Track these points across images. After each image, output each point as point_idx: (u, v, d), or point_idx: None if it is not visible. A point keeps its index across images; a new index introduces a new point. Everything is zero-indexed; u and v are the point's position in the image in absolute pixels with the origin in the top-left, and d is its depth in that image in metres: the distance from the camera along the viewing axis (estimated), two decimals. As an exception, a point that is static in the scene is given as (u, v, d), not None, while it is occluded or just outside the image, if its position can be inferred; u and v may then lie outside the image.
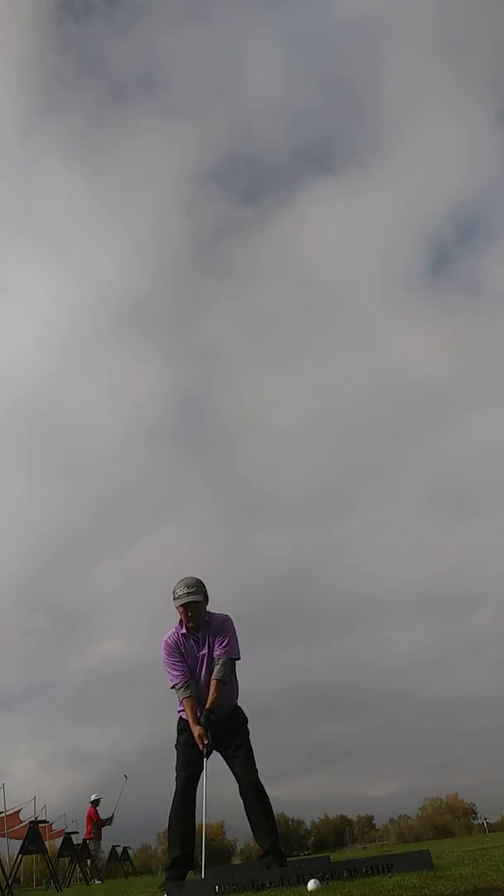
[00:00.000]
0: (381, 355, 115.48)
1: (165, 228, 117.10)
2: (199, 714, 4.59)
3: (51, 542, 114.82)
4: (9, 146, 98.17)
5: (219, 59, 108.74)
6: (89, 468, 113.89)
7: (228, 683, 4.72)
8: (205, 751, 4.54)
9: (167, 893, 4.14)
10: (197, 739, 4.53)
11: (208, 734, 4.51)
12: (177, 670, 4.71)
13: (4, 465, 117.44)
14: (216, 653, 4.72)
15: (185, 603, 4.68)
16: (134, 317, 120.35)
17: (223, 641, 4.73)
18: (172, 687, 4.74)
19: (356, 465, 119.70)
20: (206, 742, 4.51)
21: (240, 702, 4.90)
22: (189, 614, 4.71)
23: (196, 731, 4.53)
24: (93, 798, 16.77)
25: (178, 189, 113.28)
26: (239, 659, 4.83)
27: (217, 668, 4.67)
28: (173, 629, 4.82)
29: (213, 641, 4.76)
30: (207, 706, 4.59)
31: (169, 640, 4.80)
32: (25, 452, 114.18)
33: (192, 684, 4.69)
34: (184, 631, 4.78)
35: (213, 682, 4.65)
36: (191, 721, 4.59)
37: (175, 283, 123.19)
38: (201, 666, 4.74)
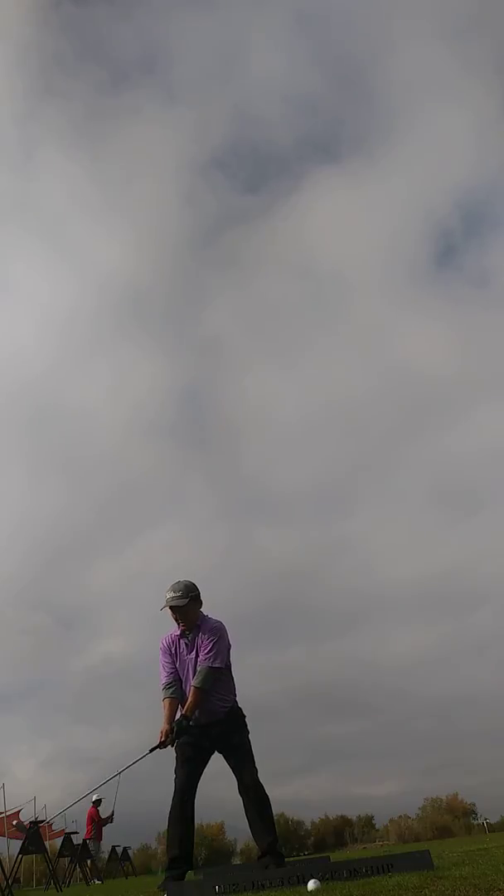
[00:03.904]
0: (386, 349, 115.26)
1: (166, 218, 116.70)
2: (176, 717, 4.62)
3: (50, 539, 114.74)
4: (6, 132, 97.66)
5: (222, 42, 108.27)
6: (89, 463, 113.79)
7: (208, 690, 4.66)
8: (159, 745, 4.55)
9: (167, 893, 4.14)
10: (160, 732, 4.55)
11: (172, 733, 4.52)
12: (164, 671, 4.78)
13: (3, 461, 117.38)
14: (199, 660, 4.72)
15: (170, 606, 4.71)
16: (134, 308, 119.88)
17: (207, 648, 4.72)
18: (160, 686, 4.77)
19: (359, 462, 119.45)
20: (162, 739, 4.53)
21: (240, 702, 4.91)
22: (176, 617, 4.74)
23: (164, 727, 4.57)
24: (94, 798, 16.76)
25: (180, 177, 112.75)
26: (220, 668, 4.73)
27: (196, 674, 4.68)
28: (172, 630, 4.84)
29: (201, 647, 4.76)
30: (183, 712, 4.61)
31: (163, 641, 4.85)
32: (24, 447, 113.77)
33: (174, 685, 4.73)
34: (178, 633, 4.80)
35: (191, 689, 4.65)
36: (164, 720, 4.61)
37: (176, 274, 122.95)
38: (188, 670, 4.76)
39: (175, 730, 4.53)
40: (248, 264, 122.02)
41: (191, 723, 4.57)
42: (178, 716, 4.64)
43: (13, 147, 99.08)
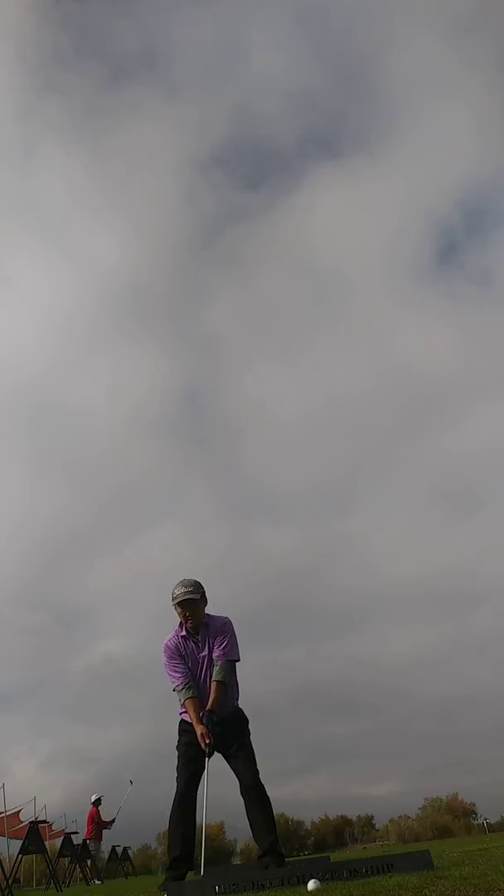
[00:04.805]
0: (387, 348, 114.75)
1: (167, 215, 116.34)
2: (200, 715, 4.60)
3: (50, 539, 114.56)
4: (6, 128, 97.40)
5: (222, 39, 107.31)
6: (89, 462, 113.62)
7: (228, 684, 4.74)
8: (206, 750, 4.56)
9: (167, 893, 4.14)
10: (199, 739, 4.55)
11: (210, 734, 4.53)
12: (178, 672, 4.74)
13: (3, 461, 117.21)
14: (215, 654, 4.74)
15: (182, 601, 4.71)
16: (135, 306, 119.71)
17: (222, 643, 4.76)
18: (174, 689, 4.76)
19: (360, 461, 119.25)
20: (207, 742, 4.53)
21: (241, 701, 4.93)
22: (187, 613, 4.73)
23: (199, 730, 4.56)
24: (94, 798, 16.75)
25: (180, 174, 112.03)
26: (238, 661, 4.85)
27: (216, 669, 4.70)
28: (173, 632, 4.84)
29: (213, 643, 4.78)
30: (208, 707, 4.61)
31: (169, 643, 4.82)
32: (24, 446, 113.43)
33: (193, 686, 4.71)
34: (183, 633, 4.80)
35: (213, 684, 4.67)
36: (194, 721, 4.61)
37: (176, 273, 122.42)
38: (202, 668, 4.76)
39: (210, 728, 4.54)
40: (249, 263, 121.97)
41: (214, 717, 4.57)
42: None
43: (13, 143, 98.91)
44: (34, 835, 12.23)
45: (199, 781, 4.63)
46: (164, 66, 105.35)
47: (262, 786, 4.63)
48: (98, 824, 16.55)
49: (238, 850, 61.30)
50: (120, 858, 21.00)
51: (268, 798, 4.63)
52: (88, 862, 16.38)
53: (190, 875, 4.62)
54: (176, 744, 4.77)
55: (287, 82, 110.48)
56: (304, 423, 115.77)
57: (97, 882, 15.47)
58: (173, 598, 4.75)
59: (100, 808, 16.73)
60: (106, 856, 19.76)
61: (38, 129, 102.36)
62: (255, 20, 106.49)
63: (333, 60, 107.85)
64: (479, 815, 61.96)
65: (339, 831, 68.30)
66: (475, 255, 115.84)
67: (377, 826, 69.01)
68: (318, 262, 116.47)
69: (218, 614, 4.90)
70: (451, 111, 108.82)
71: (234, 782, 4.64)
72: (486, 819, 55.32)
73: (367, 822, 69.56)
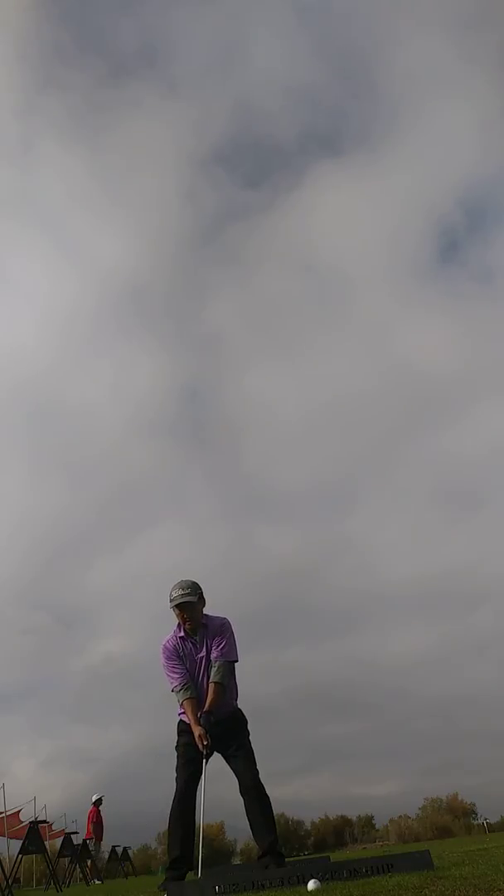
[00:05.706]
0: (388, 346, 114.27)
1: (167, 213, 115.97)
2: (198, 716, 4.61)
3: (50, 539, 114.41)
4: (5, 125, 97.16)
5: (223, 35, 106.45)
6: (89, 462, 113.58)
7: (227, 685, 4.74)
8: (204, 752, 4.56)
9: (167, 893, 4.14)
10: (197, 740, 4.55)
11: (208, 735, 4.53)
12: (176, 673, 4.74)
13: (3, 459, 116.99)
14: (213, 655, 4.74)
15: (180, 604, 4.71)
16: (135, 305, 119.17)
17: (220, 644, 4.75)
18: (173, 690, 4.76)
19: (361, 460, 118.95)
20: (205, 743, 4.53)
21: (240, 701, 4.92)
22: (184, 616, 4.73)
23: (197, 731, 4.56)
24: (94, 798, 16.77)
25: (181, 172, 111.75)
26: (236, 661, 4.84)
27: (214, 670, 4.70)
28: (172, 633, 4.84)
29: (211, 644, 4.78)
30: (205, 708, 4.61)
31: (167, 644, 4.82)
32: (24, 445, 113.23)
33: (191, 686, 4.71)
34: (182, 634, 4.80)
35: (210, 685, 4.67)
36: (192, 722, 4.61)
37: (177, 270, 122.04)
38: (200, 668, 4.77)
39: (208, 730, 4.54)
40: (250, 261, 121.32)
41: (212, 718, 4.57)
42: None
43: (12, 140, 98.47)
44: (34, 835, 12.24)
45: (198, 781, 4.64)
46: (165, 62, 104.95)
47: (262, 786, 4.63)
48: (97, 824, 16.56)
49: (238, 850, 61.31)
50: (120, 858, 21.02)
51: (268, 798, 4.64)
52: (88, 862, 16.39)
53: (190, 875, 4.62)
54: (175, 744, 4.78)
55: (288, 79, 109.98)
56: (305, 422, 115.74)
57: (97, 882, 15.48)
58: (171, 601, 4.75)
59: (100, 807, 16.74)
60: (106, 856, 19.78)
61: (38, 125, 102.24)
62: (255, 16, 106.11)
63: (335, 57, 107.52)
64: (479, 815, 62.03)
65: (339, 831, 68.28)
66: (477, 253, 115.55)
67: (377, 826, 69.06)
68: (318, 260, 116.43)
69: (216, 615, 4.90)
70: (453, 108, 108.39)
71: (233, 782, 4.65)
72: (486, 819, 55.36)
73: (367, 822, 69.56)
